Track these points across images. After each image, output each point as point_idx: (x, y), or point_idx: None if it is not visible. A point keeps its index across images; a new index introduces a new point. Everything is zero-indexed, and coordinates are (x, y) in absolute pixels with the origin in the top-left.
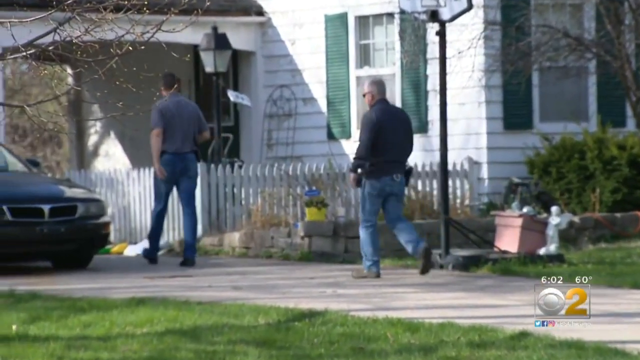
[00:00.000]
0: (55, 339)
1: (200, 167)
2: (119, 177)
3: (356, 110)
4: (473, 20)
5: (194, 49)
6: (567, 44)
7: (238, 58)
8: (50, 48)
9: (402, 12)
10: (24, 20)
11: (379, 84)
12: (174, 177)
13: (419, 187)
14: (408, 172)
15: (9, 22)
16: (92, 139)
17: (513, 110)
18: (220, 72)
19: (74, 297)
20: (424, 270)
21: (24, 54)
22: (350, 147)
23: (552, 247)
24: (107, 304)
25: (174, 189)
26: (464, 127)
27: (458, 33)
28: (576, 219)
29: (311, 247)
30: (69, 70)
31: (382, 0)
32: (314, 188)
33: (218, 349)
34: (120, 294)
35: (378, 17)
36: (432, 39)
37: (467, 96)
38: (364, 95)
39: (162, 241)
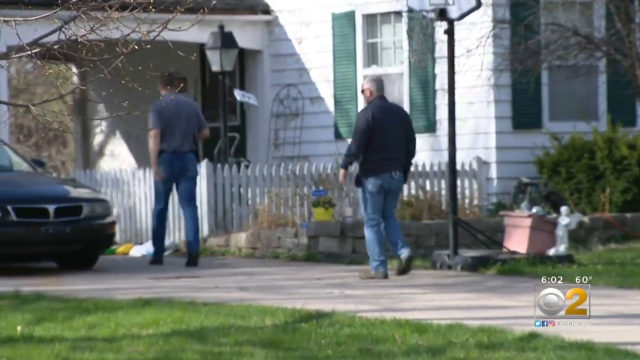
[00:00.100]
0: (61, 340)
1: (206, 166)
2: (125, 177)
3: None
4: (482, 18)
5: (200, 47)
6: (577, 43)
7: (244, 57)
8: (56, 47)
9: (410, 10)
10: (29, 18)
11: (377, 81)
12: (173, 176)
13: (427, 187)
14: (406, 170)
15: (14, 20)
16: (98, 139)
17: (522, 109)
18: (227, 71)
19: (79, 298)
20: (402, 273)
21: (29, 52)
22: None
23: (561, 248)
24: (113, 304)
25: (174, 189)
26: (473, 127)
27: (467, 31)
28: (586, 219)
29: (318, 247)
30: (74, 70)
31: None
32: (321, 188)
33: (224, 350)
34: (125, 295)
35: (386, 16)
36: (441, 37)
37: (476, 95)
38: (362, 92)
39: (168, 241)
